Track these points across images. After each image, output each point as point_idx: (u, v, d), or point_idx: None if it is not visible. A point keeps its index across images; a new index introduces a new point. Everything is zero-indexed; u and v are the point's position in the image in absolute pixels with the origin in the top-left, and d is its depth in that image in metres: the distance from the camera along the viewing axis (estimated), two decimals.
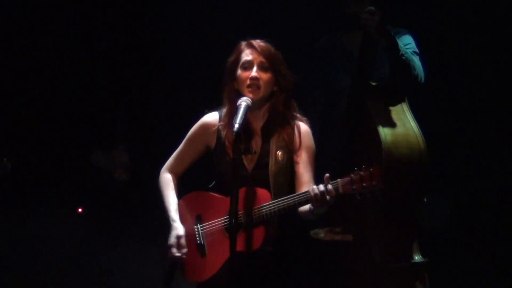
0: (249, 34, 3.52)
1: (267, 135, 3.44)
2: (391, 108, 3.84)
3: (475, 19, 4.82)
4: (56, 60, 5.59)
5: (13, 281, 5.49)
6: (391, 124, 3.78)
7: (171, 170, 3.59)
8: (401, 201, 3.63)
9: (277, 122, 3.43)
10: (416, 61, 3.97)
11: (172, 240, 3.43)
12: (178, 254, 3.42)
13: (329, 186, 3.18)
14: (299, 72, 3.54)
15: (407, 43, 4.03)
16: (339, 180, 3.19)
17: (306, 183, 3.40)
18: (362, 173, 3.15)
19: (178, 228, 3.45)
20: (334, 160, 4.04)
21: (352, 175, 3.17)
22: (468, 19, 4.83)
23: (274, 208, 3.26)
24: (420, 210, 3.75)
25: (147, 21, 5.59)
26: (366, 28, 3.76)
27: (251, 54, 3.38)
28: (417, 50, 4.03)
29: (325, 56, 4.19)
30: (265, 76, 3.36)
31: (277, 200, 3.28)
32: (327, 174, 3.21)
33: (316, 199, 3.18)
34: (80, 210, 5.78)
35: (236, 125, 3.17)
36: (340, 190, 3.18)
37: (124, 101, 5.77)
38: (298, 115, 3.48)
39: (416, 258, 3.79)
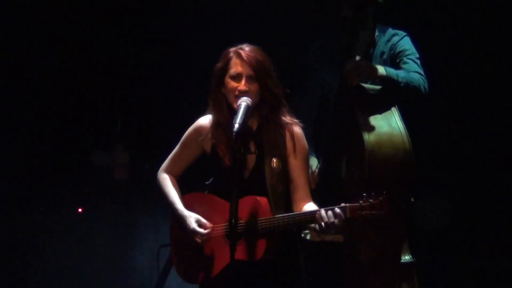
0: (247, 35, 3.51)
1: (260, 141, 3.41)
2: (378, 108, 3.83)
3: (462, 20, 4.83)
4: (56, 60, 5.59)
5: (14, 280, 5.50)
6: (376, 124, 3.76)
7: (168, 172, 3.57)
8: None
9: (268, 129, 3.41)
10: (418, 69, 3.92)
11: (193, 224, 3.36)
12: (206, 232, 3.35)
13: (337, 210, 3.18)
14: (294, 73, 3.52)
15: (406, 49, 3.99)
16: (348, 204, 3.19)
17: (301, 187, 3.39)
18: (371, 200, 3.16)
19: (192, 215, 3.40)
20: (323, 163, 4.03)
21: (361, 202, 3.17)
22: (454, 20, 4.84)
23: (278, 223, 3.25)
24: (408, 210, 3.74)
25: (147, 21, 5.59)
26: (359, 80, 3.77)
27: (240, 65, 3.34)
28: (417, 55, 4.00)
29: (322, 57, 4.17)
30: (253, 87, 3.33)
31: (282, 215, 3.27)
32: None
33: (323, 222, 3.19)
34: (80, 210, 5.78)
35: (236, 125, 3.15)
36: (348, 214, 3.18)
37: (124, 101, 5.78)
38: (289, 118, 3.44)
39: (405, 258, 3.78)
